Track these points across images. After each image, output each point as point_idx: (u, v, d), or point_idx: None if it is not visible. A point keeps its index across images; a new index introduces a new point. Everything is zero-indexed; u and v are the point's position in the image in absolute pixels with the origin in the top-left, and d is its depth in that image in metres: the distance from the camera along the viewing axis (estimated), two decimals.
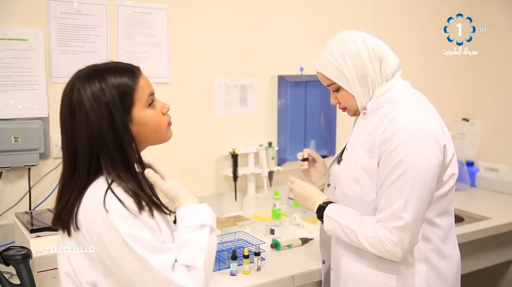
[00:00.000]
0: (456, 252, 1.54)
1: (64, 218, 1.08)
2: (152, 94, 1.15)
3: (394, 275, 1.43)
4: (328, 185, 1.63)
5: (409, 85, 1.52)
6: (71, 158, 1.09)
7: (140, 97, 1.12)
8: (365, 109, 1.49)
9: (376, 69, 1.45)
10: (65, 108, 1.10)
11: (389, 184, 1.36)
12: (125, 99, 1.09)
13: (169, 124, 1.20)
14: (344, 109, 1.56)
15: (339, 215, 1.48)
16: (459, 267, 1.55)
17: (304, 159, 1.71)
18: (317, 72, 1.53)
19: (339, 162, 1.57)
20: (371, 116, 1.47)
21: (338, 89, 1.50)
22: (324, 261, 1.71)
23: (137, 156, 1.13)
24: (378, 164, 1.40)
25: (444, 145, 1.39)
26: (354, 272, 1.49)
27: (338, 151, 1.63)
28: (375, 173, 1.41)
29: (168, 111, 1.19)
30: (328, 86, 1.53)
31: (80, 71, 1.13)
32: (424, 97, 1.52)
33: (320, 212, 1.53)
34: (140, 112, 1.12)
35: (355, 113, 1.55)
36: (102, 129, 1.06)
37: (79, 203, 1.07)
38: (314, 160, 1.73)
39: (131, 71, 1.13)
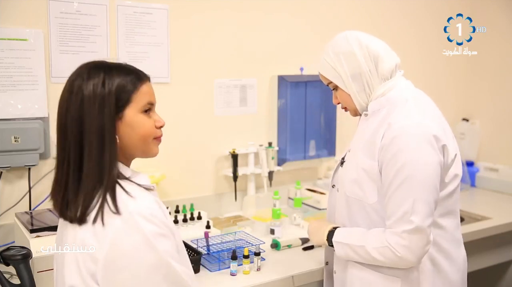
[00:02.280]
0: (462, 253, 1.53)
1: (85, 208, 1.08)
2: (151, 104, 1.18)
3: (398, 278, 1.42)
4: (333, 186, 1.63)
5: (412, 85, 1.51)
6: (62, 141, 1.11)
7: (138, 100, 1.14)
8: (366, 110, 1.49)
9: (371, 68, 1.45)
10: (65, 91, 1.12)
11: (393, 191, 1.36)
12: (121, 95, 1.12)
13: (158, 139, 1.21)
14: (345, 108, 1.57)
15: (346, 237, 1.47)
16: (465, 268, 1.54)
17: None
18: (319, 72, 1.56)
19: (342, 164, 1.57)
20: (373, 118, 1.47)
21: (336, 88, 1.53)
22: (327, 262, 1.70)
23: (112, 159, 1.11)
24: (380, 171, 1.40)
25: (444, 145, 1.39)
26: (360, 275, 1.48)
27: (337, 151, 1.63)
28: (376, 176, 1.41)
29: (162, 127, 1.20)
30: (327, 85, 1.55)
31: (90, 62, 1.16)
32: (427, 97, 1.52)
33: (329, 239, 1.52)
34: (132, 113, 1.13)
35: (356, 113, 1.55)
36: (91, 118, 1.08)
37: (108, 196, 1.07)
38: None
39: (137, 74, 1.16)
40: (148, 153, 1.19)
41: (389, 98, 1.45)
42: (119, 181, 1.10)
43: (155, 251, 1.05)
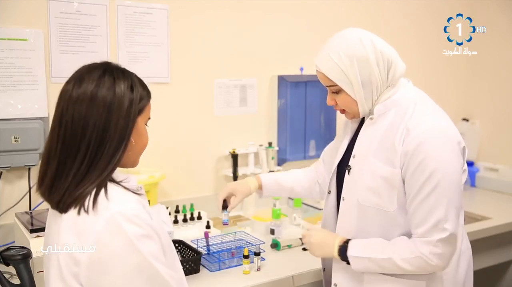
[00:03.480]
0: (469, 245, 1.54)
1: (75, 200, 1.08)
2: (149, 119, 1.21)
3: (423, 282, 1.40)
4: (329, 192, 1.58)
5: (411, 83, 1.48)
6: (77, 139, 1.09)
7: (147, 112, 1.18)
8: (372, 114, 1.43)
9: (382, 75, 1.39)
10: (88, 85, 1.10)
11: (423, 198, 1.32)
12: (141, 103, 1.15)
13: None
14: (342, 111, 1.49)
15: (365, 251, 1.40)
16: (471, 258, 1.55)
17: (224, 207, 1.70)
18: (317, 71, 1.44)
19: (348, 171, 1.48)
20: (379, 121, 1.42)
21: (338, 91, 1.42)
22: (324, 268, 1.67)
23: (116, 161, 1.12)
24: (403, 178, 1.36)
25: (464, 147, 1.38)
26: (380, 283, 1.43)
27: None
28: (397, 182, 1.36)
29: None
30: (328, 86, 1.45)
31: (108, 62, 1.16)
32: (425, 94, 1.48)
33: (342, 254, 1.43)
34: (142, 122, 1.17)
35: (354, 116, 1.49)
36: (120, 116, 1.10)
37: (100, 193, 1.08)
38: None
39: (148, 89, 1.20)
40: (134, 163, 1.21)
41: (394, 100, 1.41)
42: (109, 183, 1.11)
43: (138, 252, 1.04)
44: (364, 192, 1.42)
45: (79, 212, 1.06)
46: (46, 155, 1.13)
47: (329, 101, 1.48)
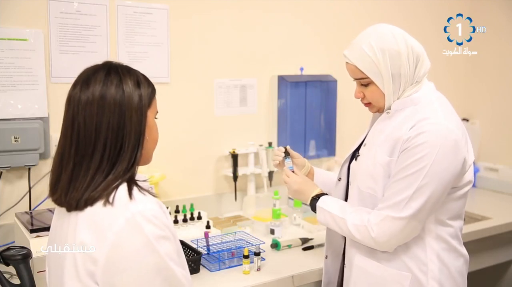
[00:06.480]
0: (466, 253, 1.53)
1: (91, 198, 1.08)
2: (157, 112, 1.22)
3: (408, 274, 1.42)
4: (339, 179, 1.62)
5: (434, 87, 1.51)
6: (92, 139, 1.09)
7: (154, 105, 1.19)
8: (389, 109, 1.47)
9: (411, 70, 1.43)
10: (95, 88, 1.10)
11: (400, 178, 1.36)
12: (149, 98, 1.16)
13: None
14: (368, 104, 1.52)
15: (330, 206, 1.50)
16: (467, 268, 1.54)
17: (285, 153, 1.70)
18: (347, 63, 1.47)
19: (356, 158, 1.55)
20: (395, 116, 1.45)
21: (367, 84, 1.45)
22: (326, 256, 1.69)
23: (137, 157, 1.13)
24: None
25: (464, 158, 1.40)
26: (366, 268, 1.47)
27: (337, 151, 1.62)
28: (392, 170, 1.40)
29: None
30: (357, 79, 1.47)
31: (109, 62, 1.17)
32: (447, 100, 1.51)
33: (313, 204, 1.55)
34: (151, 117, 1.17)
35: (379, 110, 1.51)
36: (132, 112, 1.11)
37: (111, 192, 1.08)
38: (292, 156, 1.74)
39: (152, 83, 1.21)
40: (148, 160, 1.21)
41: (413, 99, 1.44)
42: (130, 182, 1.11)
43: (156, 253, 1.05)
44: (363, 178, 1.47)
45: (105, 204, 1.06)
46: (58, 160, 1.12)
47: (357, 94, 1.51)
